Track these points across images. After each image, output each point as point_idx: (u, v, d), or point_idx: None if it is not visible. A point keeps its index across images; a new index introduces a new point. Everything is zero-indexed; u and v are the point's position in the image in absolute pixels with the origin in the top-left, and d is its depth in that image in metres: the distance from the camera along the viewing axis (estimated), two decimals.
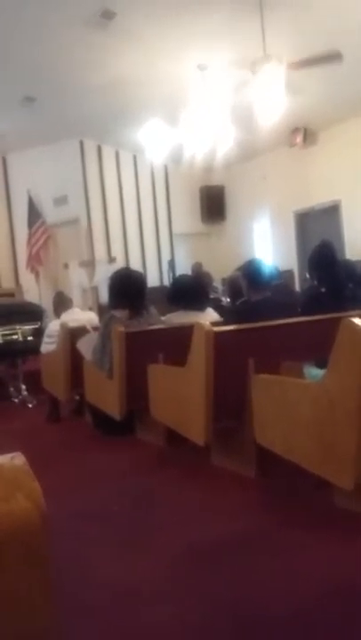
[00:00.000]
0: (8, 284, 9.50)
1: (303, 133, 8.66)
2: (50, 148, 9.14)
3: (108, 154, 9.53)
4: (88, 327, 4.41)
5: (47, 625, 0.88)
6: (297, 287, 8.04)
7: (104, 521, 2.52)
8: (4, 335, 5.40)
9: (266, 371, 2.63)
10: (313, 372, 2.70)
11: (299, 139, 8.71)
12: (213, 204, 10.40)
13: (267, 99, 5.64)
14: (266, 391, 2.55)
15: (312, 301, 3.38)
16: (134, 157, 9.68)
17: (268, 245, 9.80)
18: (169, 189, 10.25)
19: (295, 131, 8.63)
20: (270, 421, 2.50)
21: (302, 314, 3.23)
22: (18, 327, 5.52)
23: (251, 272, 3.37)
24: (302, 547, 2.10)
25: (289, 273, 8.50)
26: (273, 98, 5.60)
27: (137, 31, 6.00)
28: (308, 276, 3.77)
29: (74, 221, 9.39)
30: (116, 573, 2.02)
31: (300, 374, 2.68)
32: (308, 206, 9.08)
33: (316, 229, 8.86)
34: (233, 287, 4.44)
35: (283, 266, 7.92)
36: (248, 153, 8.85)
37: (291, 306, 3.25)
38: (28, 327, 5.59)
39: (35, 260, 9.52)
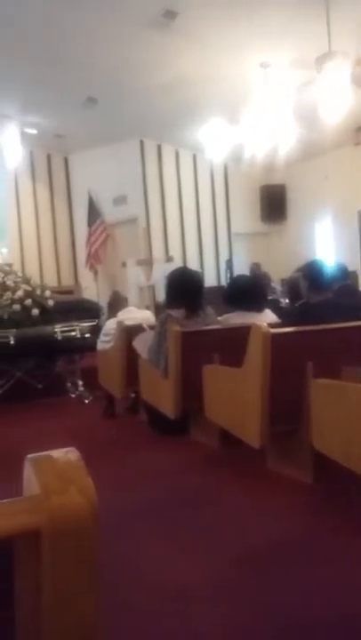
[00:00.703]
0: (67, 282, 9.71)
1: None
2: (110, 148, 9.28)
3: (167, 153, 9.58)
4: (144, 326, 4.42)
5: (94, 621, 0.87)
6: None
7: (154, 520, 2.51)
8: (62, 332, 5.50)
9: (325, 375, 2.55)
10: None
11: None
12: (274, 204, 10.27)
13: (331, 96, 5.50)
14: (325, 396, 2.47)
15: None
16: (194, 157, 9.69)
17: (330, 246, 9.58)
18: (228, 188, 10.20)
19: (360, 129, 8.40)
20: (329, 427, 2.42)
21: None
22: (76, 324, 5.61)
23: (312, 273, 3.28)
24: (355, 556, 2.02)
25: (352, 274, 8.26)
26: (338, 95, 5.46)
27: (199, 30, 5.99)
28: None
29: (132, 220, 9.50)
30: (164, 574, 2.00)
31: (357, 379, 2.58)
32: None
33: None
34: (292, 288, 4.35)
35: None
36: (310, 151, 8.68)
37: (354, 308, 3.14)
38: (85, 324, 5.68)
39: (94, 259, 9.68)
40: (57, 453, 0.89)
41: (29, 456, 0.92)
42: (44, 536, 0.81)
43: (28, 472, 0.91)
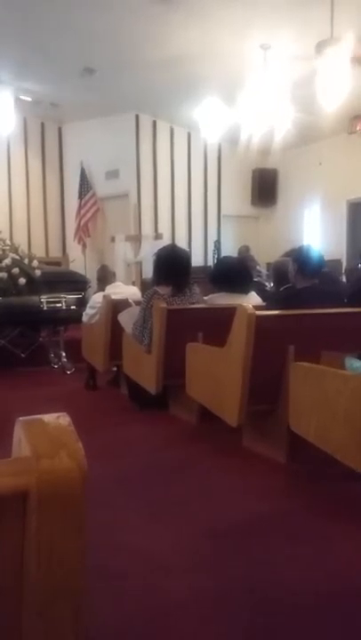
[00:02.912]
0: (55, 253, 9.65)
1: None
2: (105, 120, 9.16)
3: (162, 130, 9.49)
4: (130, 301, 4.45)
5: (79, 582, 0.91)
6: (344, 277, 7.89)
7: (133, 490, 2.58)
8: (48, 302, 5.50)
9: (306, 359, 2.61)
10: (355, 364, 2.67)
11: (359, 126, 8.48)
12: (265, 188, 10.25)
13: (330, 82, 5.49)
14: (304, 379, 2.54)
15: (360, 292, 3.32)
16: (189, 135, 9.61)
17: (318, 233, 9.63)
18: (221, 169, 10.16)
19: (356, 118, 8.39)
20: (306, 410, 2.49)
21: (349, 304, 3.19)
22: (62, 296, 5.62)
23: (302, 259, 3.32)
24: (324, 536, 2.11)
25: (337, 262, 8.35)
26: (337, 81, 5.45)
27: (201, 6, 5.90)
28: (360, 266, 3.69)
29: (123, 196, 9.43)
30: (141, 542, 2.07)
31: (341, 365, 2.65)
32: None
33: None
34: (278, 273, 4.40)
35: (331, 254, 7.77)
36: (305, 137, 8.66)
37: (336, 295, 3.20)
38: (71, 296, 5.69)
39: (83, 232, 9.62)
40: (48, 417, 0.92)
41: (21, 419, 0.94)
42: (31, 498, 0.83)
43: (19, 434, 0.93)
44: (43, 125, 9.69)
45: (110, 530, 2.13)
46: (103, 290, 5.01)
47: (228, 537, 2.12)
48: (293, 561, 1.94)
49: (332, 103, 5.88)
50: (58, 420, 0.92)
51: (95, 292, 5.25)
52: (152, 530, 2.17)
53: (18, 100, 8.10)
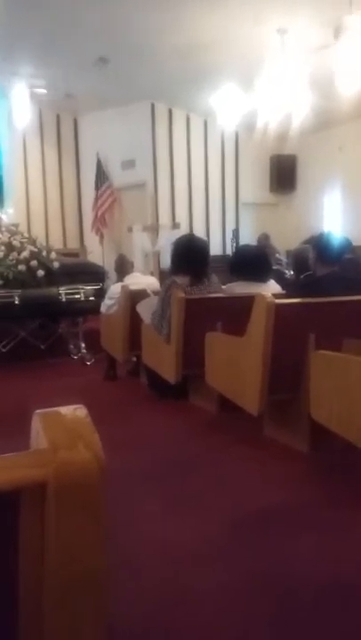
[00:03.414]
0: (73, 245, 9.68)
1: None
2: (121, 110, 9.12)
3: (178, 118, 9.42)
4: (148, 291, 4.44)
5: (98, 573, 0.91)
6: None
7: (152, 481, 2.58)
8: (67, 294, 5.53)
9: (326, 347, 2.58)
10: None
11: None
12: (284, 174, 10.14)
13: (349, 65, 5.39)
14: (325, 368, 2.50)
15: None
16: (205, 122, 9.53)
17: (339, 219, 9.50)
18: (238, 157, 10.06)
19: None
20: (327, 398, 2.46)
21: None
22: (80, 287, 5.64)
23: (321, 245, 3.27)
24: (345, 526, 2.08)
25: (358, 249, 8.23)
26: (356, 65, 5.34)
27: None
28: None
29: (140, 185, 9.41)
30: (162, 533, 2.07)
31: None
32: None
33: None
34: (298, 260, 4.35)
35: (353, 241, 7.66)
36: (324, 122, 8.53)
37: (358, 282, 3.15)
38: (90, 287, 5.70)
39: (100, 222, 9.63)
40: (65, 409, 0.92)
41: (38, 411, 0.94)
42: (50, 489, 0.83)
43: (37, 426, 0.93)
44: (58, 117, 9.69)
45: (130, 521, 2.13)
46: (121, 280, 5.01)
47: (248, 527, 2.11)
48: (314, 551, 1.92)
49: (351, 87, 5.76)
50: (75, 411, 0.92)
51: (113, 282, 5.25)
52: (172, 521, 2.17)
53: (33, 92, 8.10)
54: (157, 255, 8.84)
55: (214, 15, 6.21)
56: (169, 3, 5.98)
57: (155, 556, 1.91)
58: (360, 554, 1.89)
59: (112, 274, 5.73)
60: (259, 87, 6.74)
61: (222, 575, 1.79)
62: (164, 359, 3.76)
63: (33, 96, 8.16)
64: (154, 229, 9.03)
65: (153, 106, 9.16)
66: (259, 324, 2.69)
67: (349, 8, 5.30)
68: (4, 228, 6.08)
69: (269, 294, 2.74)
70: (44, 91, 8.21)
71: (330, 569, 1.81)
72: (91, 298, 5.64)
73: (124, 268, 5.16)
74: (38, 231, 8.42)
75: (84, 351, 5.80)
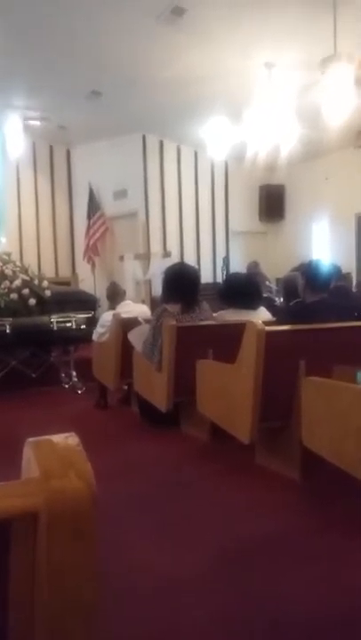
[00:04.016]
0: (65, 273, 9.72)
1: None
2: (113, 141, 9.27)
3: (169, 149, 9.58)
4: (140, 319, 4.46)
5: (91, 604, 0.90)
6: (354, 290, 7.86)
7: (144, 509, 2.56)
8: (58, 322, 5.53)
9: (317, 374, 2.60)
10: None
11: None
12: (272, 204, 10.29)
13: (335, 98, 5.53)
14: (316, 394, 2.52)
15: None
16: (195, 153, 9.69)
17: (327, 247, 9.63)
18: (228, 186, 10.22)
19: None
20: (319, 425, 2.47)
21: (360, 318, 3.17)
22: (72, 315, 5.65)
23: (310, 273, 3.32)
24: (338, 554, 2.07)
25: (347, 276, 8.32)
26: (341, 98, 5.49)
27: (206, 28, 5.99)
28: None
29: (132, 215, 9.50)
30: (153, 561, 2.05)
31: (353, 380, 2.63)
32: None
33: None
34: (288, 287, 4.39)
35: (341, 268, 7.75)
36: (311, 153, 8.71)
37: (347, 309, 3.19)
38: (81, 316, 5.71)
39: (92, 251, 9.69)
40: (57, 438, 0.92)
41: (30, 439, 0.94)
42: (41, 519, 0.83)
43: (28, 455, 0.93)
44: (51, 148, 9.83)
45: (122, 549, 2.11)
46: (113, 307, 5.02)
47: (240, 556, 2.09)
48: (306, 579, 1.91)
49: (337, 119, 5.91)
50: (66, 440, 0.92)
51: (106, 310, 5.27)
52: (164, 549, 2.15)
53: (27, 123, 8.23)
54: (149, 283, 8.89)
55: (204, 49, 6.38)
56: (160, 37, 6.14)
57: (145, 586, 1.89)
58: (353, 582, 1.88)
59: (104, 302, 5.75)
60: (247, 119, 6.89)
61: (213, 604, 1.77)
62: (155, 387, 3.76)
63: (27, 127, 8.29)
64: (145, 258, 9.10)
65: (144, 137, 9.32)
66: (250, 351, 2.71)
67: (334, 43, 5.47)
68: None
69: (260, 321, 2.77)
70: (37, 122, 8.35)
71: (322, 598, 1.79)
72: (82, 326, 5.64)
73: (116, 295, 5.18)
74: (31, 260, 8.45)
75: (76, 380, 5.78)
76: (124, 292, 5.38)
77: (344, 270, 8.23)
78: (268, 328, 2.71)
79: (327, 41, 5.48)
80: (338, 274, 4.40)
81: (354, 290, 7.31)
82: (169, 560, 2.06)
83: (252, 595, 1.82)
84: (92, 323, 5.53)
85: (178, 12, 5.73)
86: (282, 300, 5.21)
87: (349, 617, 1.69)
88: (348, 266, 8.86)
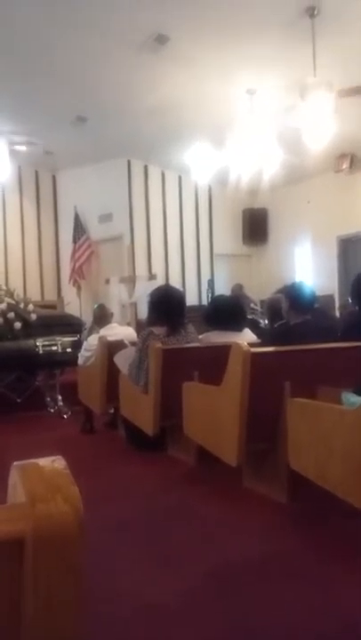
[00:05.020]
0: (51, 297, 9.71)
1: (350, 160, 8.63)
2: (98, 166, 9.37)
3: (153, 174, 9.70)
4: (126, 342, 4.46)
5: (76, 631, 0.89)
6: (337, 312, 7.95)
7: (131, 534, 2.53)
8: (43, 346, 5.51)
9: (302, 395, 2.61)
10: (351, 399, 2.66)
11: (345, 165, 8.69)
12: (256, 227, 10.42)
13: (315, 124, 5.66)
14: (301, 415, 2.53)
15: (353, 327, 3.34)
16: (179, 178, 9.82)
17: (309, 269, 9.74)
18: (212, 210, 10.34)
19: (342, 157, 8.61)
20: (305, 446, 2.48)
21: (342, 339, 3.20)
22: (58, 338, 5.63)
23: (294, 294, 3.36)
24: (327, 576, 2.06)
25: (330, 298, 8.43)
26: (321, 123, 5.62)
27: (189, 55, 6.13)
28: (350, 300, 3.73)
29: (117, 238, 9.56)
30: (139, 587, 2.02)
31: (338, 400, 2.65)
32: (353, 232, 9.01)
33: (359, 255, 8.80)
34: (272, 309, 4.44)
35: (323, 290, 7.85)
36: (293, 177, 8.87)
37: (330, 330, 3.22)
38: (67, 339, 5.70)
39: (77, 274, 9.71)
40: (43, 461, 0.91)
41: (16, 463, 0.93)
42: (28, 544, 0.82)
43: (14, 479, 0.93)
44: (37, 173, 9.90)
45: (108, 575, 2.08)
46: (98, 329, 5.01)
47: (229, 581, 2.07)
48: (297, 603, 1.89)
49: (317, 144, 6.04)
50: (53, 463, 0.91)
51: (92, 331, 5.25)
52: (151, 575, 2.13)
53: (12, 149, 8.29)
54: (134, 306, 8.90)
55: (187, 76, 6.52)
56: (144, 64, 6.27)
57: (133, 611, 1.86)
58: (341, 605, 1.87)
59: (90, 325, 5.74)
60: (230, 144, 7.02)
61: (201, 630, 1.75)
62: (141, 410, 3.75)
63: (12, 152, 8.35)
64: (131, 281, 9.13)
65: (129, 162, 9.43)
66: (235, 373, 2.72)
67: (313, 70, 5.63)
68: None
69: (245, 343, 2.78)
70: (23, 147, 8.42)
71: (310, 622, 1.78)
72: (68, 349, 5.62)
73: (104, 316, 5.16)
74: (16, 283, 8.44)
75: (61, 404, 5.74)
76: (112, 315, 5.38)
77: (327, 292, 8.35)
78: (253, 349, 2.73)
79: (307, 68, 5.63)
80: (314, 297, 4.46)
81: (338, 311, 7.40)
82: (155, 585, 2.04)
83: (243, 620, 1.80)
84: (77, 346, 5.51)
85: (161, 39, 5.86)
86: (266, 321, 5.25)
87: (338, 638, 1.68)
88: (331, 288, 8.98)
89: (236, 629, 1.75)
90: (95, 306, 5.51)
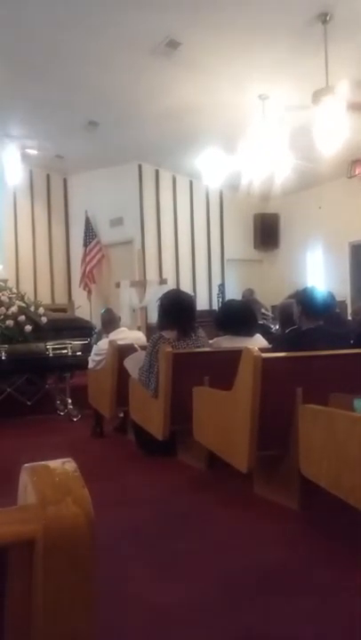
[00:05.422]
0: (61, 300, 9.73)
1: None
2: (109, 170, 9.40)
3: (165, 178, 9.71)
4: (136, 346, 4.45)
5: (87, 633, 0.88)
6: (350, 318, 7.89)
7: (139, 540, 2.51)
8: (54, 349, 5.51)
9: (314, 401, 2.58)
10: None
11: (358, 170, 8.65)
12: (267, 232, 10.40)
13: (327, 130, 5.64)
14: (313, 422, 2.50)
15: None
16: (191, 183, 9.82)
17: (321, 275, 9.70)
18: (223, 215, 10.33)
19: (354, 162, 8.58)
20: (317, 453, 2.45)
21: (355, 345, 3.17)
22: (68, 342, 5.63)
23: (306, 300, 3.33)
24: (340, 586, 2.03)
25: (342, 304, 8.37)
26: (334, 129, 5.60)
27: (201, 60, 6.15)
28: None
29: (128, 242, 9.58)
30: (148, 593, 2.00)
31: (350, 407, 2.62)
32: None
33: None
34: (284, 315, 4.41)
35: (336, 296, 7.79)
36: (305, 182, 8.84)
37: (343, 336, 3.19)
38: (77, 343, 5.70)
39: (88, 278, 9.73)
40: (54, 463, 0.90)
41: (26, 465, 0.93)
42: (38, 546, 0.81)
43: (25, 481, 0.92)
44: (48, 177, 9.95)
45: (117, 580, 2.06)
46: (107, 334, 5.01)
47: (239, 588, 2.05)
48: (306, 613, 1.86)
49: (330, 149, 6.02)
50: (63, 465, 0.90)
51: (99, 336, 5.25)
52: (161, 581, 2.10)
53: (24, 152, 8.34)
54: (145, 310, 8.90)
55: (200, 82, 6.53)
56: (157, 69, 6.29)
57: (139, 618, 1.84)
58: (355, 615, 1.84)
59: (99, 329, 5.74)
60: (242, 149, 7.01)
61: (210, 638, 1.72)
62: (151, 415, 3.73)
63: (24, 156, 8.40)
64: (141, 285, 9.14)
65: (140, 167, 9.45)
66: (246, 378, 2.70)
67: (325, 76, 5.61)
68: None
69: (256, 348, 2.76)
70: (34, 151, 8.47)
71: (325, 631, 1.75)
72: (78, 353, 5.62)
73: (112, 320, 5.16)
74: (27, 287, 8.48)
75: (71, 407, 5.73)
76: (119, 319, 5.37)
77: (339, 298, 8.30)
78: (264, 355, 2.71)
79: (319, 72, 5.62)
80: (333, 302, 4.42)
81: (350, 317, 7.34)
82: (163, 592, 2.01)
83: (253, 629, 1.78)
84: (87, 349, 5.51)
85: (173, 45, 5.88)
86: (278, 327, 5.22)
87: None
88: (343, 293, 8.93)
89: (247, 638, 1.72)
90: (102, 310, 5.50)
